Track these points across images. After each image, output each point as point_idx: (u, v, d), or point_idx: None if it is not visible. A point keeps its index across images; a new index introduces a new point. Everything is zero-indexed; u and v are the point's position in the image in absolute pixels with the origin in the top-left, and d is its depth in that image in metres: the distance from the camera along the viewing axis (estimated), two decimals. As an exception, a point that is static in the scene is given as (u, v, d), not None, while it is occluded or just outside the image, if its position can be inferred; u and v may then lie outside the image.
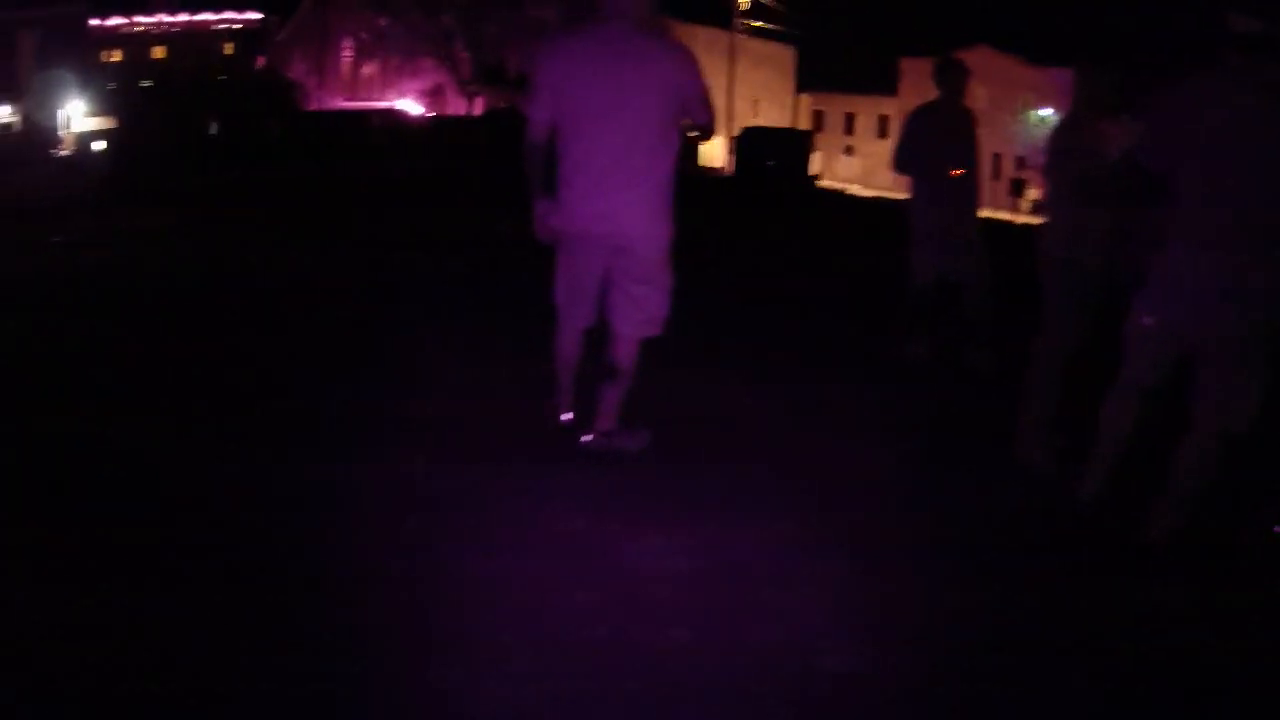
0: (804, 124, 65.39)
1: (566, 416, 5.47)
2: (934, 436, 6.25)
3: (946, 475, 5.64)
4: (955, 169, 7.37)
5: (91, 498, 5.05)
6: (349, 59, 56.40)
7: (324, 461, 5.43)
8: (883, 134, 65.90)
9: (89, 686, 3.48)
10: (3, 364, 8.09)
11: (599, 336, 5.50)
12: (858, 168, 62.71)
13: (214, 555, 4.48)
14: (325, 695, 3.52)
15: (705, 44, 54.26)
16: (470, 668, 3.54)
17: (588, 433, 5.37)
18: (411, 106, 48.38)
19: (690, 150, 30.09)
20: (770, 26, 58.72)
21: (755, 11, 57.08)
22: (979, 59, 51.32)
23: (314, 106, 49.66)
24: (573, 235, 5.08)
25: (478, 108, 46.73)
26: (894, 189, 40.32)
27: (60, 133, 47.50)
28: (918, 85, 63.36)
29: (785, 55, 68.92)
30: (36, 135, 47.21)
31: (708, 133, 5.24)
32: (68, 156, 45.29)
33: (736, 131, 39.63)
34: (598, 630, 3.81)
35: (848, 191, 39.61)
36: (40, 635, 3.78)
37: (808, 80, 71.45)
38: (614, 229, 4.99)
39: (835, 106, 72.31)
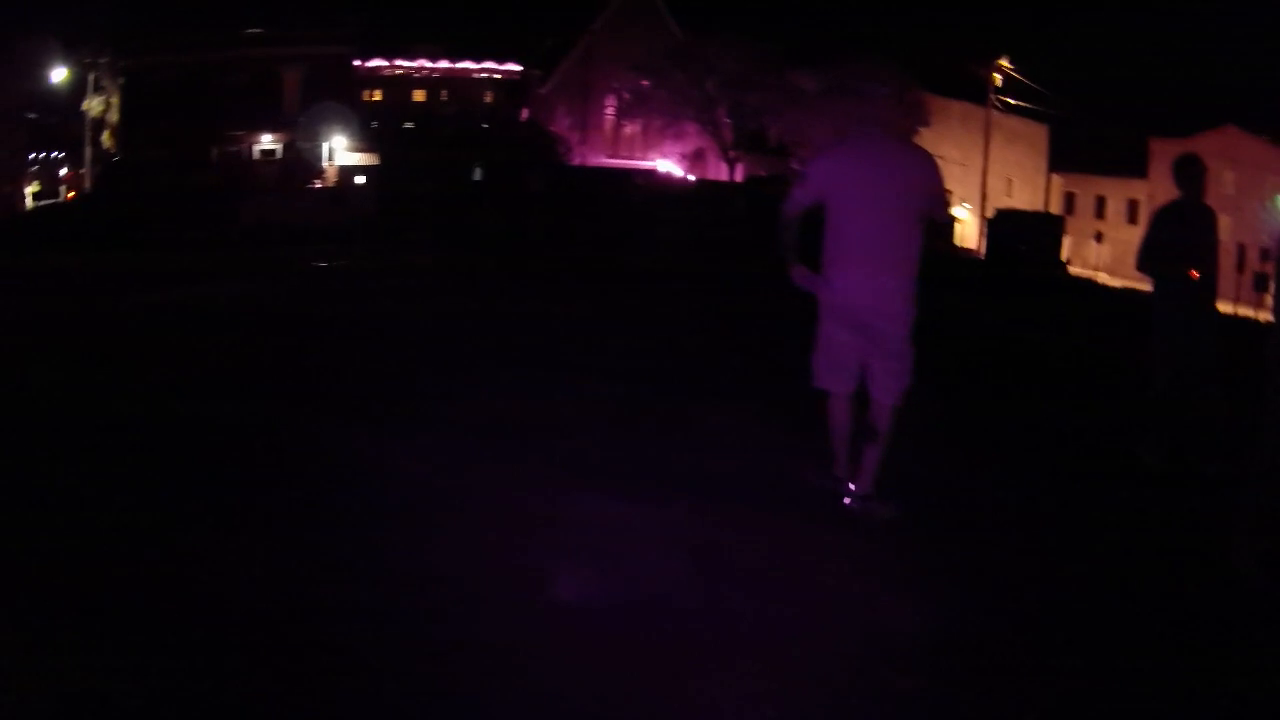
0: (1055, 205, 64.40)
1: (851, 487, 6.20)
2: (1168, 539, 6.48)
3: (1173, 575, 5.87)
4: (1195, 270, 7.69)
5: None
6: (611, 117, 58.70)
7: (598, 504, 6.18)
8: (1132, 219, 64.06)
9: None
10: (255, 367, 10.06)
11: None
12: (1106, 255, 60.87)
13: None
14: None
15: (960, 119, 53.81)
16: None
17: (849, 496, 6.14)
18: (672, 168, 49.22)
19: (946, 231, 30.39)
20: (1024, 104, 57.91)
21: (1010, 88, 56.46)
22: (1226, 141, 50.47)
23: (576, 161, 51.16)
24: (838, 310, 6.07)
25: (739, 174, 47.15)
26: (1142, 280, 38.54)
27: (323, 165, 49.97)
28: (1167, 168, 61.10)
29: (1038, 133, 67.96)
30: (299, 166, 49.85)
31: (944, 228, 6.68)
32: (330, 188, 47.52)
33: (990, 212, 38.87)
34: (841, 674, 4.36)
35: (1097, 279, 38.97)
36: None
37: (1059, 159, 70.28)
38: (873, 307, 5.98)
39: (1086, 188, 70.71)
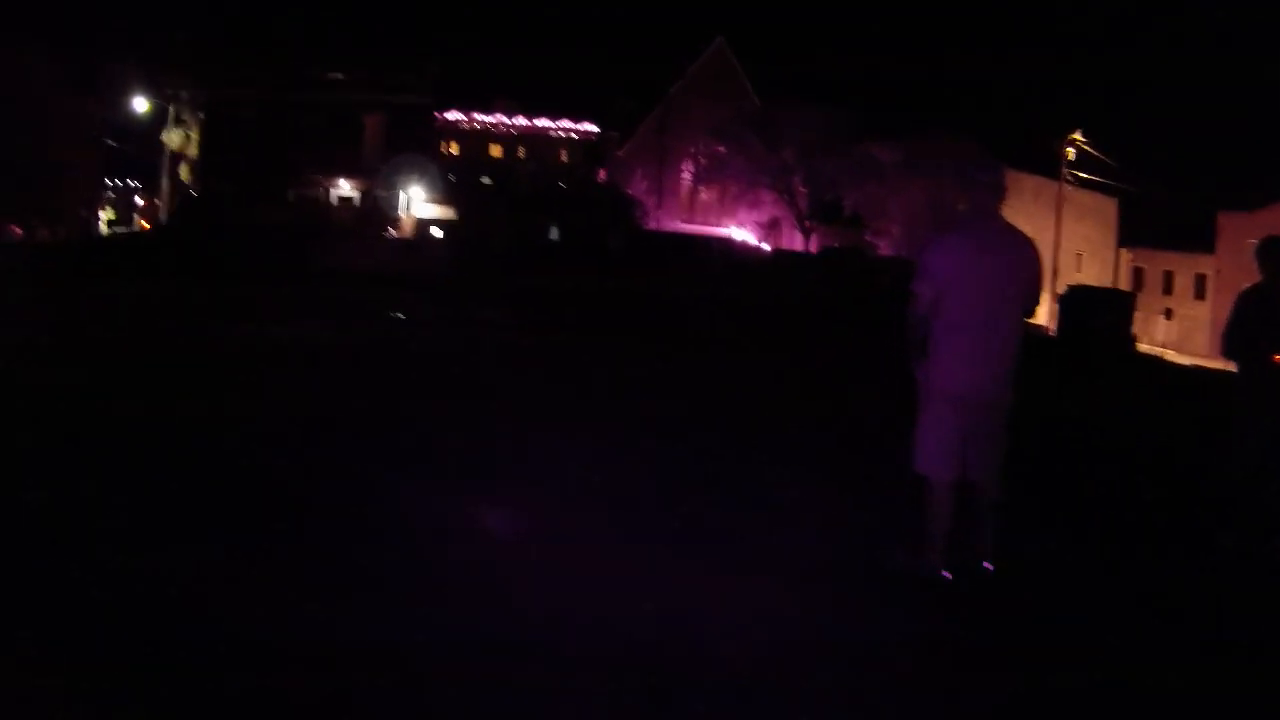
0: (1124, 280, 65.17)
1: (946, 575, 6.50)
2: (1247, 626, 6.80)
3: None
4: (1278, 355, 7.80)
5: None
6: (688, 182, 60.54)
7: (684, 575, 6.68)
8: (1199, 295, 64.98)
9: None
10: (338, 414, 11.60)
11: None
12: (1175, 331, 61.60)
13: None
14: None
15: (1033, 193, 55.17)
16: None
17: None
18: (747, 236, 50.73)
19: (1031, 313, 31.18)
20: (1095, 178, 59.00)
21: (1081, 162, 57.49)
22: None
23: (652, 225, 52.85)
24: (949, 397, 6.41)
25: (813, 244, 48.54)
26: (1209, 357, 39.44)
27: (399, 214, 52.13)
28: (1235, 242, 62.29)
29: (1108, 207, 69.31)
30: (376, 213, 52.05)
31: (1032, 313, 6.65)
32: (405, 238, 49.50)
33: (1061, 288, 40.01)
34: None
35: (1165, 357, 39.80)
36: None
37: (1128, 234, 71.37)
38: (984, 394, 6.38)
39: (1154, 264, 71.87)
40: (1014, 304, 6.45)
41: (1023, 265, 6.49)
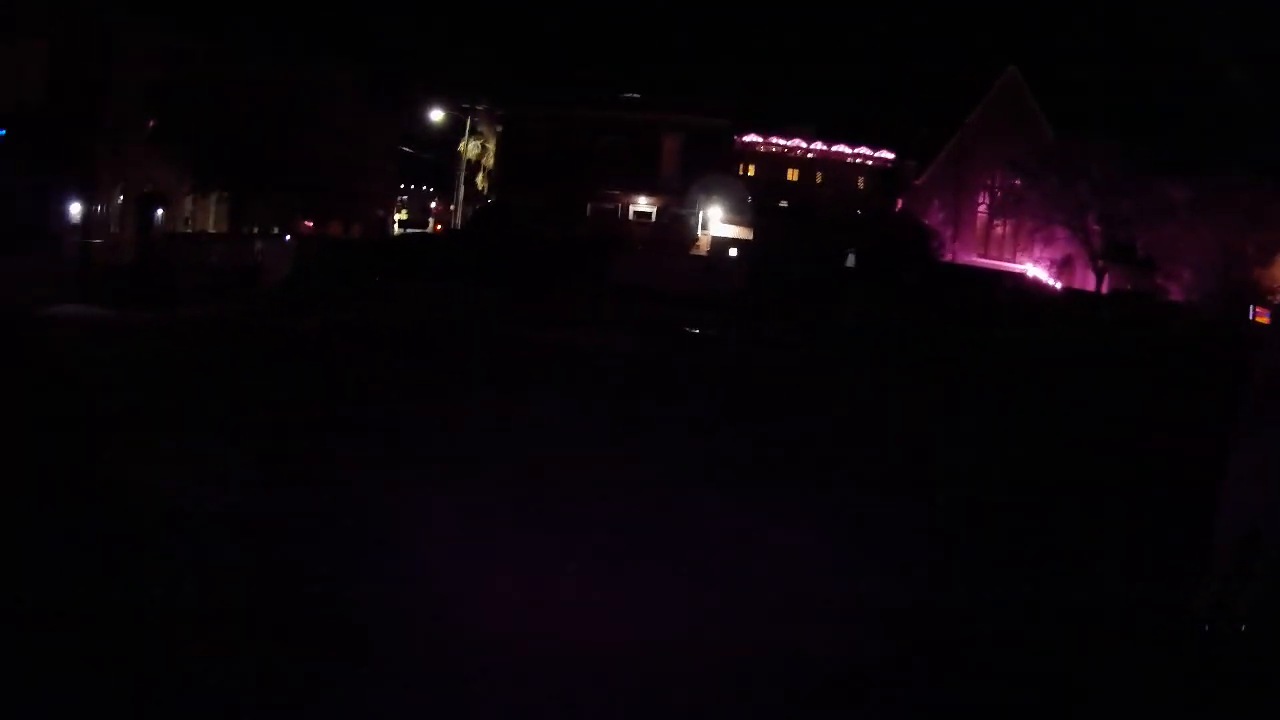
0: None
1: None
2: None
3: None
4: None
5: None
6: (984, 215, 61.93)
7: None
8: None
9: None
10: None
11: None
12: None
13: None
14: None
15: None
16: None
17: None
18: (1040, 273, 51.90)
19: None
20: None
21: None
22: None
23: (947, 257, 54.89)
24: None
25: (1105, 285, 49.23)
26: None
27: (697, 233, 56.03)
28: None
29: None
30: (673, 231, 56.09)
31: None
32: (703, 257, 53.22)
33: None
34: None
35: None
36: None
37: None
38: None
39: None
40: None
41: None
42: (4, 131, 37.89)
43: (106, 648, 6.35)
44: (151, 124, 44.17)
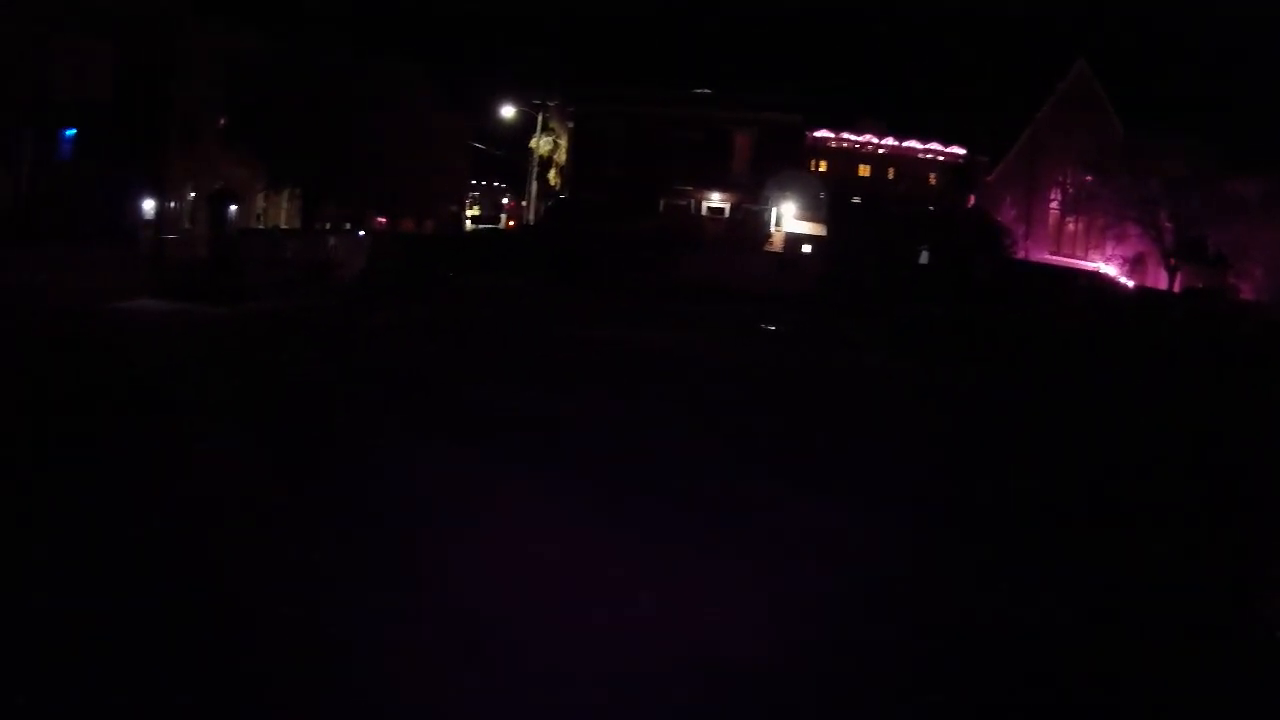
0: None
1: None
2: None
3: None
4: None
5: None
6: (1056, 211, 62.65)
7: None
8: None
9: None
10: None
11: None
12: None
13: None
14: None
15: None
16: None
17: None
18: (1111, 270, 52.52)
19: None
20: None
21: None
22: None
23: (1020, 254, 55.92)
24: None
25: (1177, 283, 49.64)
26: None
27: (770, 229, 57.52)
28: None
29: None
30: (746, 227, 57.62)
31: None
32: (776, 254, 54.68)
33: None
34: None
35: None
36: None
37: None
38: None
39: None
40: None
41: None
42: (74, 131, 39.96)
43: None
44: (222, 123, 46.20)
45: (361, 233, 53.41)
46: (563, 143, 73.66)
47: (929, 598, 9.74)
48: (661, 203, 64.57)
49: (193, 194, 46.02)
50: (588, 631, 8.39)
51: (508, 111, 71.27)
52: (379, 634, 8.05)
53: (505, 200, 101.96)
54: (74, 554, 9.49)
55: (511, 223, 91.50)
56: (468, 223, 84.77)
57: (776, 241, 59.04)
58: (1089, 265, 55.29)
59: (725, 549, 10.74)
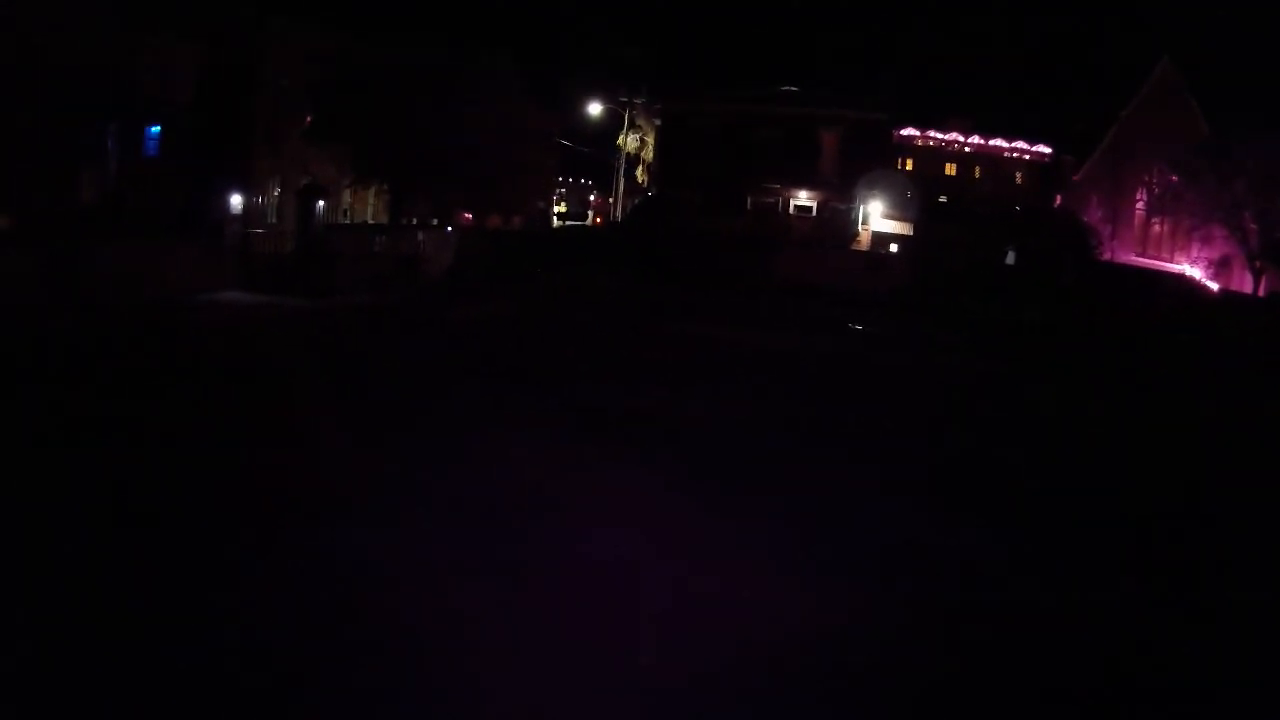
0: None
1: None
2: None
3: None
4: None
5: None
6: (1141, 212, 63.37)
7: None
8: None
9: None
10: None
11: None
12: None
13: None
14: None
15: None
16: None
17: None
18: (1197, 273, 52.99)
19: None
20: None
21: None
22: None
23: (1106, 256, 56.78)
24: None
25: (1263, 287, 49.70)
26: None
27: (858, 228, 59.07)
28: None
29: None
30: (834, 226, 59.22)
31: None
32: (865, 252, 56.23)
33: None
34: None
35: None
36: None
37: None
38: None
39: None
40: None
41: None
42: (158, 128, 41.97)
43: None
44: (309, 120, 47.84)
45: (449, 229, 55.38)
46: (650, 140, 75.27)
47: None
48: (749, 201, 66.02)
49: (278, 190, 48.03)
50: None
51: (595, 109, 73.19)
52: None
53: (592, 197, 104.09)
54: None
55: (598, 220, 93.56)
56: (555, 219, 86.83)
57: (863, 240, 60.43)
58: (1174, 267, 55.73)
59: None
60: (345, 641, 9.35)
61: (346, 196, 53.42)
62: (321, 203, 45.07)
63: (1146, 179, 61.16)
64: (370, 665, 8.78)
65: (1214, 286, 51.99)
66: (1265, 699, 9.47)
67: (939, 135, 68.12)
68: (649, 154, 75.85)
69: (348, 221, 53.32)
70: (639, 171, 77.69)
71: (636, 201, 73.03)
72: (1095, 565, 12.96)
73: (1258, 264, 50.84)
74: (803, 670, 9.40)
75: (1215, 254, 54.15)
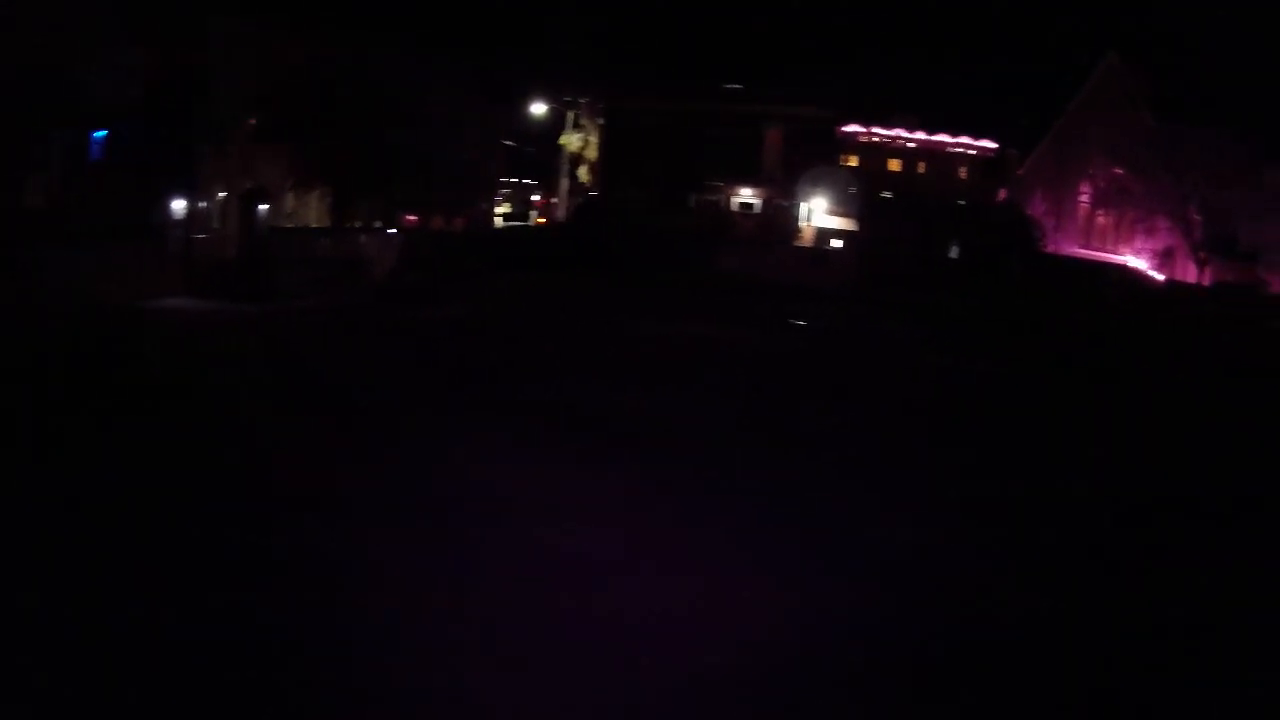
0: None
1: None
2: None
3: None
4: None
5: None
6: (1085, 205, 63.38)
7: None
8: None
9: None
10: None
11: None
12: None
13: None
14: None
15: None
16: None
17: None
18: (1140, 264, 53.36)
19: None
20: None
21: None
22: None
23: (1050, 247, 56.96)
24: None
25: (1207, 277, 50.26)
26: None
27: (801, 224, 58.91)
28: None
29: None
30: (777, 222, 59.05)
31: None
32: (808, 248, 56.08)
33: None
34: None
35: None
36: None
37: None
38: None
39: None
40: None
41: None
42: (105, 132, 41.28)
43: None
44: (252, 122, 46.96)
45: (392, 231, 54.71)
46: (593, 139, 74.89)
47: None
48: (693, 199, 65.88)
49: (223, 193, 46.86)
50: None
51: (538, 109, 72.64)
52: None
53: (536, 197, 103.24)
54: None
55: (542, 220, 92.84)
56: (499, 220, 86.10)
57: (807, 236, 60.36)
58: (1118, 258, 56.02)
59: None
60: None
61: (291, 200, 52.77)
62: (265, 206, 44.45)
63: (1091, 172, 61.33)
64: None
65: (1159, 277, 52.21)
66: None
67: (883, 132, 67.99)
68: (592, 153, 75.47)
69: (291, 225, 52.71)
70: (583, 171, 77.20)
71: (580, 201, 72.53)
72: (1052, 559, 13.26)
73: (1202, 255, 51.36)
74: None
75: (1159, 245, 54.58)
